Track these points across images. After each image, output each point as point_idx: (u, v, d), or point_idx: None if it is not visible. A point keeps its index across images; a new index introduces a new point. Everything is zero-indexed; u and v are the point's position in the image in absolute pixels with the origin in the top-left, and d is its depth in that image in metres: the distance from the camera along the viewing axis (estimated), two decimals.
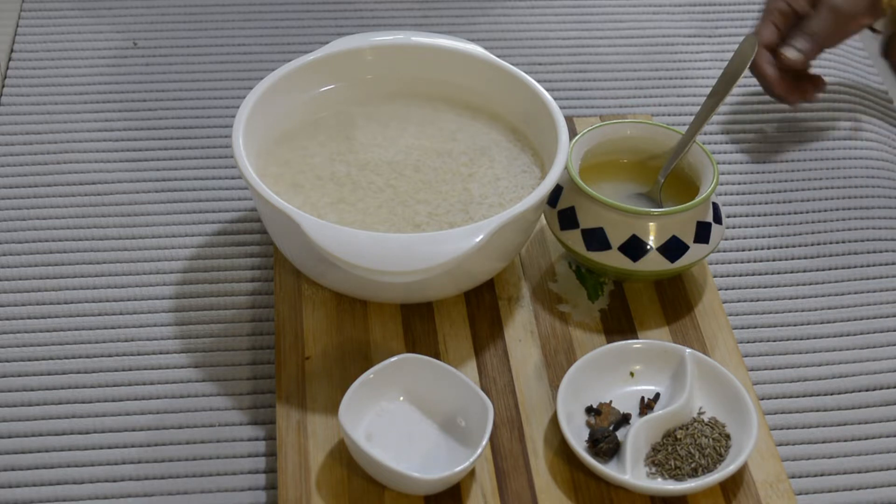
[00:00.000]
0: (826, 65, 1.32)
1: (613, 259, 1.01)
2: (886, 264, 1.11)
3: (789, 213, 1.16)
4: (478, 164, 1.06)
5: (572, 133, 1.15)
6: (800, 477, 0.95)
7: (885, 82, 1.33)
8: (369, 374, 0.93)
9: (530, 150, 1.08)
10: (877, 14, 1.16)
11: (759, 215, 1.15)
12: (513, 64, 1.10)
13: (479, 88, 1.11)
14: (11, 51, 1.32)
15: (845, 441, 0.97)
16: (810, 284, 1.09)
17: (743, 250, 1.12)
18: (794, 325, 1.06)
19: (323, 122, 1.10)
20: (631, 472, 0.90)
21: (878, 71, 1.34)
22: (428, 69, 1.12)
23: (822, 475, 0.95)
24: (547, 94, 1.06)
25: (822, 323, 1.06)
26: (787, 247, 1.12)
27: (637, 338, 1.01)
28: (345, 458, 0.91)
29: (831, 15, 1.15)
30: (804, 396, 1.00)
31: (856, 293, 1.09)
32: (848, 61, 1.34)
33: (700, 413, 0.94)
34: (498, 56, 1.11)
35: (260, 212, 1.02)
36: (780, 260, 1.11)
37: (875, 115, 1.27)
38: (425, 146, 1.08)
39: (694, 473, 0.91)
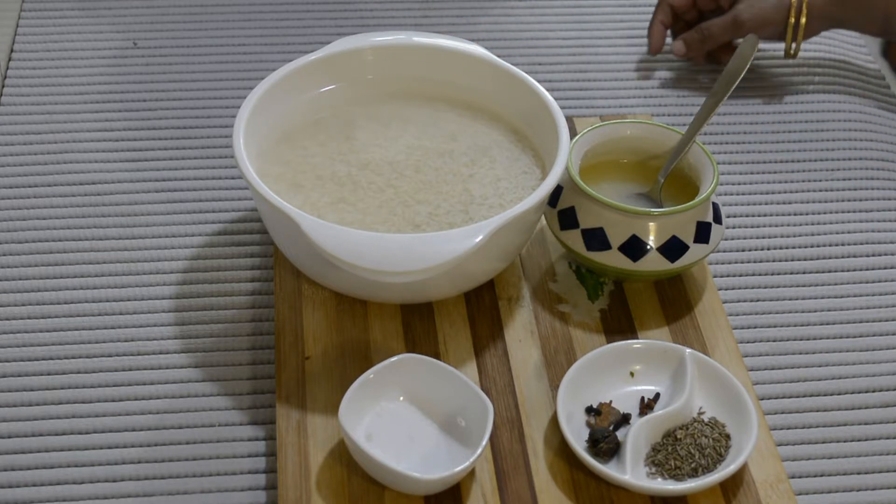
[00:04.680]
0: (827, 63, 1.32)
1: (613, 259, 1.01)
2: (886, 268, 1.11)
3: (789, 214, 1.16)
4: (478, 165, 1.06)
5: (572, 133, 1.15)
6: (800, 477, 0.95)
7: (886, 80, 1.33)
8: (369, 374, 0.93)
9: (531, 150, 1.08)
10: (776, 36, 1.23)
11: (759, 215, 1.15)
12: (513, 64, 1.10)
13: (480, 89, 1.11)
14: (11, 51, 1.32)
15: (845, 441, 0.97)
16: (810, 285, 1.09)
17: (743, 250, 1.12)
18: (794, 326, 1.06)
19: (323, 122, 1.10)
20: (631, 472, 0.90)
21: (880, 68, 1.34)
22: (429, 69, 1.12)
23: (822, 475, 0.95)
24: (548, 95, 1.06)
25: (822, 324, 1.06)
26: (787, 247, 1.12)
27: (637, 338, 1.01)
28: (345, 458, 0.91)
29: (732, 22, 1.22)
30: (804, 396, 1.00)
31: (856, 295, 1.08)
32: (849, 55, 1.34)
33: (700, 413, 0.94)
34: (498, 56, 1.11)
35: (260, 211, 1.02)
36: (780, 260, 1.11)
37: (876, 114, 1.27)
38: (426, 146, 1.08)
39: (694, 473, 0.91)
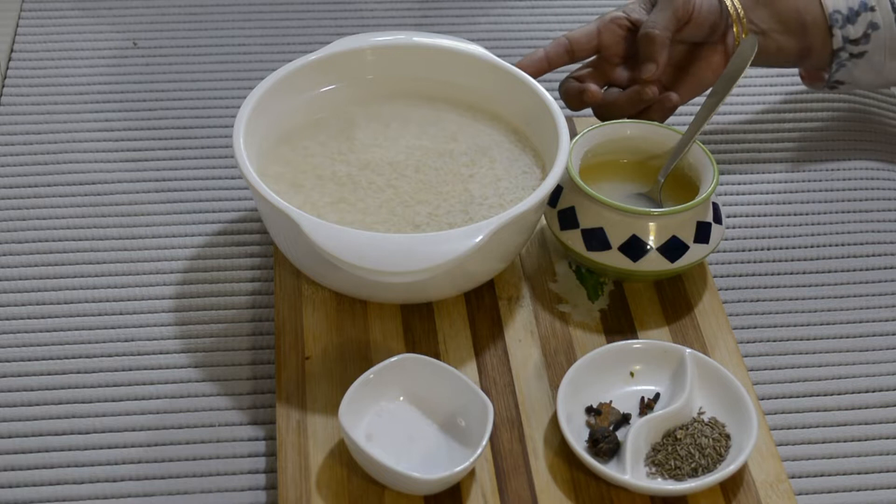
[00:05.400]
0: None
1: (613, 259, 1.01)
2: (886, 268, 1.11)
3: (789, 214, 1.16)
4: (478, 165, 1.06)
5: (572, 133, 1.15)
6: (800, 477, 0.95)
7: None
8: (369, 374, 0.93)
9: (531, 150, 1.08)
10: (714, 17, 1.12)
11: (759, 215, 1.15)
12: (513, 64, 1.10)
13: (480, 89, 1.11)
14: (11, 51, 1.32)
15: (845, 441, 0.97)
16: (810, 285, 1.09)
17: (743, 250, 1.12)
18: (794, 326, 1.06)
19: (324, 122, 1.10)
20: (631, 472, 0.90)
21: None
22: (429, 69, 1.12)
23: (821, 475, 0.95)
24: (548, 95, 1.06)
25: (822, 324, 1.06)
26: (787, 247, 1.12)
27: (637, 338, 1.01)
28: (345, 458, 0.91)
29: (669, 4, 1.10)
30: (804, 396, 1.00)
31: (855, 295, 1.08)
32: None
33: (700, 413, 0.94)
34: (498, 56, 1.11)
35: (260, 212, 1.02)
36: (781, 261, 1.11)
37: (876, 114, 1.27)
38: (426, 146, 1.08)
39: (694, 473, 0.91)
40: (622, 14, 1.14)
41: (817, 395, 1.01)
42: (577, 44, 1.14)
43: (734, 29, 1.13)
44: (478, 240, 0.93)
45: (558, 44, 1.14)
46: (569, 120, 1.19)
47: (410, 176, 1.05)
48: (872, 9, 1.13)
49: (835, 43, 1.14)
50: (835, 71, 1.16)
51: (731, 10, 1.13)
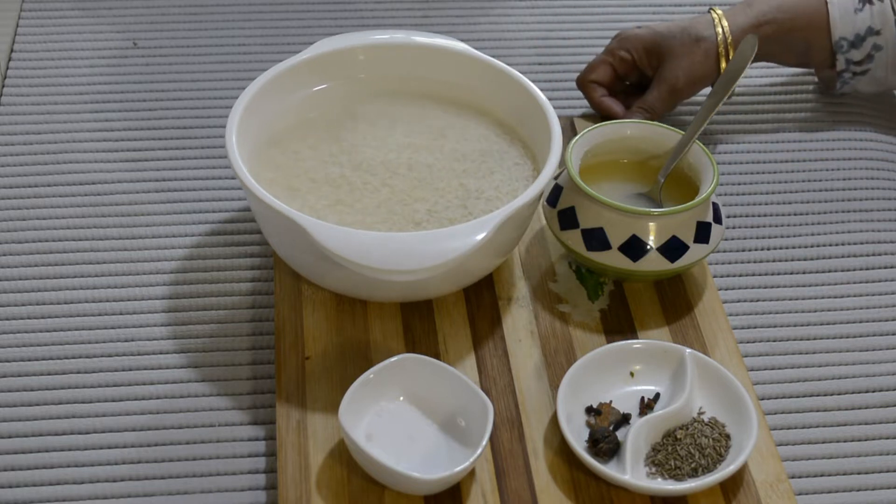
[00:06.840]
0: None
1: (613, 259, 1.01)
2: (886, 267, 1.11)
3: (789, 214, 1.16)
4: (470, 160, 1.06)
5: (572, 133, 1.15)
6: (800, 477, 0.95)
7: None
8: (369, 374, 0.93)
9: (520, 142, 1.08)
10: (713, 81, 1.19)
11: (759, 215, 1.15)
12: (513, 64, 1.10)
13: (465, 85, 1.11)
14: (11, 51, 1.32)
15: (845, 441, 0.97)
16: (810, 285, 1.09)
17: (743, 250, 1.12)
18: (794, 326, 1.06)
19: (312, 124, 1.09)
20: (631, 472, 0.90)
21: None
22: (414, 68, 1.11)
23: (821, 475, 0.95)
24: (535, 88, 1.06)
25: (822, 324, 1.06)
26: (787, 247, 1.12)
27: (637, 338, 1.01)
28: (345, 458, 0.91)
29: (669, 94, 1.18)
30: (804, 396, 1.00)
31: (855, 295, 1.08)
32: None
33: (700, 413, 0.94)
34: (498, 56, 1.11)
35: (258, 216, 1.01)
36: (780, 260, 1.11)
37: (875, 113, 1.27)
38: (416, 144, 1.08)
39: (694, 473, 0.91)
40: (627, 55, 1.19)
41: (817, 395, 1.01)
42: (604, 82, 1.21)
43: (719, 49, 1.18)
44: (483, 235, 0.93)
45: (594, 89, 1.21)
46: (568, 119, 1.19)
47: (404, 174, 1.05)
48: (878, 32, 1.17)
49: (838, 65, 1.19)
50: (839, 88, 1.22)
51: (721, 40, 1.17)
